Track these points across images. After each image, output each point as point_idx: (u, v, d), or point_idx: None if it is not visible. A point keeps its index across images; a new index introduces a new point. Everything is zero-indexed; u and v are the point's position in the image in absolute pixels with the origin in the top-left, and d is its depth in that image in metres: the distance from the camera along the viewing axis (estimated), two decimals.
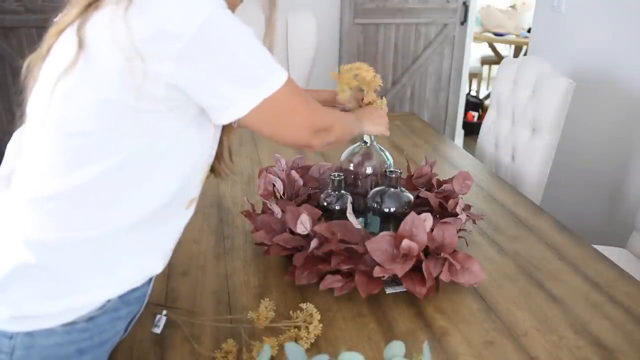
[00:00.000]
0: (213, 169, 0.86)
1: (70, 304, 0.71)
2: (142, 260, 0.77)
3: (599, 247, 1.26)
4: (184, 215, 0.81)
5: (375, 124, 1.15)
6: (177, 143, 0.73)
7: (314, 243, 1.02)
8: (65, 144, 0.68)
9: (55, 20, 0.75)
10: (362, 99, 1.20)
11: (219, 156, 0.84)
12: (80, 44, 0.66)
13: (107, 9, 0.66)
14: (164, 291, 1.03)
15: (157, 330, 0.91)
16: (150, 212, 0.74)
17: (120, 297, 0.76)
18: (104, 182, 0.69)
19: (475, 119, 4.10)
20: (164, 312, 0.94)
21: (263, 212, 1.21)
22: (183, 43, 0.64)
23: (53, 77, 0.68)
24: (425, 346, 0.68)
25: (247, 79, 0.71)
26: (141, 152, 0.70)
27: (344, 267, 1.00)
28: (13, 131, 1.27)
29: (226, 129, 0.83)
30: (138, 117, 0.68)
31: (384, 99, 1.21)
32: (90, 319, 0.73)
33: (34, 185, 0.71)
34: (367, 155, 1.23)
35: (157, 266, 0.79)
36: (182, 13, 0.64)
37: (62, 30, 0.70)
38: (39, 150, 0.71)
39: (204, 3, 0.66)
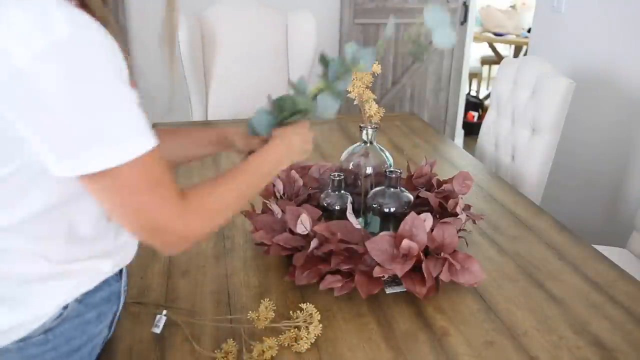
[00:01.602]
0: None
1: (16, 320, 0.67)
2: (82, 265, 0.72)
3: (599, 247, 1.26)
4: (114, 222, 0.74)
5: (302, 152, 0.93)
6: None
7: (314, 243, 1.02)
8: None
9: None
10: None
11: None
12: None
13: None
14: (164, 291, 1.03)
15: (157, 330, 0.91)
16: (68, 229, 0.69)
17: (80, 301, 0.72)
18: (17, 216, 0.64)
19: (475, 119, 4.10)
20: (164, 312, 0.94)
21: (263, 212, 1.21)
22: (13, 71, 0.53)
23: None
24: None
25: (84, 136, 0.57)
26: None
27: (344, 267, 1.00)
28: None
29: None
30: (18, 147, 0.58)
31: (380, 109, 1.18)
32: (47, 330, 0.69)
33: None
34: (367, 155, 1.23)
35: (105, 267, 0.74)
36: (23, 33, 0.53)
37: None
38: None
39: (54, 25, 0.53)
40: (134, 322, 0.94)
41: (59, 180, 0.61)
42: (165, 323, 0.93)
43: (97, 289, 0.75)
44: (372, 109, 1.15)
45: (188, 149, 0.99)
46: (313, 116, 0.91)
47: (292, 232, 1.08)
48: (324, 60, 0.89)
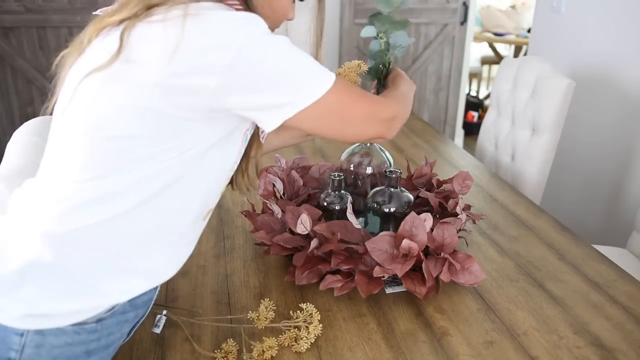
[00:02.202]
0: (234, 182, 0.87)
1: (82, 304, 0.71)
2: (156, 267, 0.77)
3: (599, 247, 1.26)
4: (201, 226, 0.82)
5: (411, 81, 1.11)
6: (207, 153, 0.73)
7: (314, 243, 1.02)
8: (98, 147, 0.68)
9: (97, 14, 0.75)
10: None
11: (243, 170, 0.86)
12: (121, 49, 0.67)
13: (158, 17, 0.67)
14: (164, 291, 1.03)
15: (157, 330, 0.91)
16: (171, 222, 0.75)
17: (129, 300, 0.76)
18: (134, 190, 0.70)
19: (475, 119, 4.10)
20: (164, 312, 0.94)
21: (263, 212, 1.21)
22: (230, 58, 0.66)
23: (89, 76, 0.69)
24: None
25: (292, 85, 0.72)
26: (175, 160, 0.70)
27: (344, 267, 1.00)
28: (13, 131, 1.27)
29: (255, 144, 0.84)
30: (174, 124, 0.69)
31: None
32: (99, 320, 0.73)
33: (61, 184, 0.70)
34: (367, 155, 1.23)
35: (169, 272, 0.79)
36: (229, 29, 0.67)
37: (103, 28, 0.71)
38: (69, 150, 0.70)
39: (252, 23, 0.69)
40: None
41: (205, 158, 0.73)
42: (165, 323, 0.93)
43: (144, 292, 0.77)
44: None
45: (285, 140, 1.15)
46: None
47: (292, 232, 1.08)
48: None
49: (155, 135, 0.68)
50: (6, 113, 2.87)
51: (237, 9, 0.75)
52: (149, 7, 0.68)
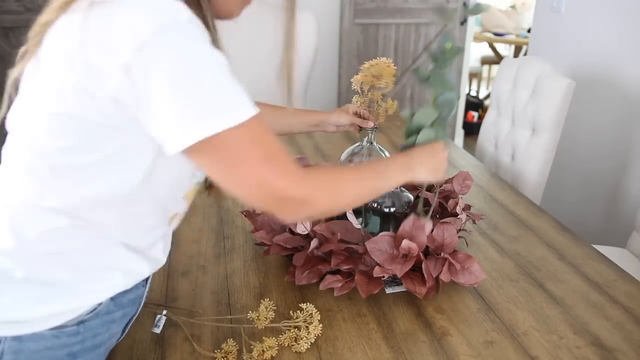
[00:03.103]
0: (210, 188, 0.83)
1: (57, 308, 0.70)
2: (129, 266, 0.75)
3: (599, 247, 1.26)
4: (167, 231, 0.80)
5: (432, 170, 0.91)
6: (156, 161, 0.67)
7: (314, 243, 1.02)
8: (42, 159, 0.65)
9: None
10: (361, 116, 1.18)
11: None
12: (36, 49, 0.63)
13: (69, 15, 0.61)
14: (164, 291, 1.03)
15: (157, 330, 0.91)
16: (127, 230, 0.72)
17: (113, 299, 0.75)
18: (83, 203, 0.67)
19: (475, 119, 4.10)
20: (164, 312, 0.94)
21: (263, 212, 1.21)
22: (127, 56, 0.57)
23: (24, 79, 0.66)
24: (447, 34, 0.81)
25: (198, 106, 0.60)
26: (118, 169, 0.66)
27: (344, 267, 1.00)
28: None
29: None
30: (103, 132, 0.63)
31: (394, 102, 1.18)
32: (80, 322, 0.72)
33: (16, 196, 0.68)
34: (367, 155, 1.23)
35: (144, 272, 0.77)
36: (137, 20, 0.58)
37: (38, 33, 0.65)
38: (15, 161, 0.68)
39: (164, 12, 0.59)
40: (134, 322, 0.94)
41: (148, 162, 0.66)
42: (165, 323, 0.93)
43: (128, 290, 0.77)
44: (388, 105, 1.16)
45: (293, 126, 1.14)
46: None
47: (292, 232, 1.08)
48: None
49: (89, 144, 0.63)
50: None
51: None
52: None
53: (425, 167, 0.89)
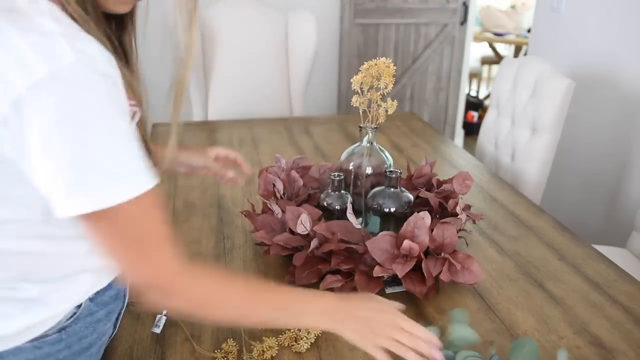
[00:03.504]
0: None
1: (31, 321, 0.67)
2: (96, 264, 0.72)
3: (599, 247, 1.26)
4: None
5: (367, 334, 0.70)
6: None
7: (314, 243, 1.02)
8: None
9: None
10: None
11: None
12: None
13: None
14: None
15: (157, 330, 0.91)
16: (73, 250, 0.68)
17: (92, 300, 0.73)
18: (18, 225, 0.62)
19: (475, 119, 4.10)
20: (164, 312, 0.94)
21: (263, 212, 1.21)
22: (7, 106, 0.51)
23: None
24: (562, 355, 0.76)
25: (82, 173, 0.54)
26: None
27: (344, 267, 1.00)
28: None
29: (139, 127, 0.70)
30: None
31: (394, 101, 1.14)
32: (62, 329, 0.70)
33: None
34: (367, 155, 1.23)
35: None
36: (10, 69, 0.51)
37: None
38: None
39: (43, 60, 0.51)
40: (134, 322, 0.94)
41: None
42: (165, 323, 0.93)
43: (107, 287, 0.76)
44: (388, 104, 1.14)
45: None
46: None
47: (292, 232, 1.08)
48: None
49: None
50: None
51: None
52: None
53: (359, 328, 0.70)
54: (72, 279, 0.70)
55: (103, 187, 0.55)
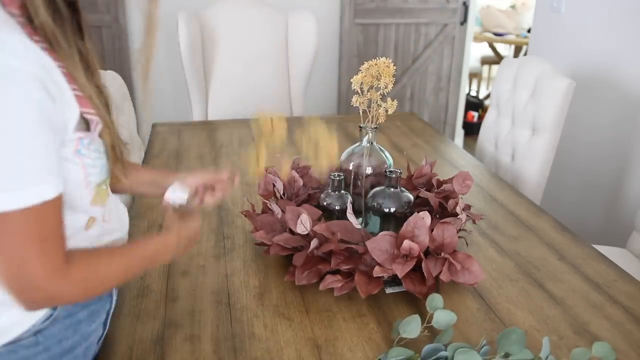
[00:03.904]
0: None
1: (4, 323, 0.66)
2: None
3: (599, 247, 1.26)
4: (88, 233, 0.75)
5: (188, 247, 0.87)
6: None
7: (314, 243, 1.02)
8: None
9: None
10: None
11: (113, 161, 0.74)
12: None
13: None
14: (164, 291, 1.03)
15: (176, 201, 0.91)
16: None
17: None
18: None
19: (475, 119, 4.10)
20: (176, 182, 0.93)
21: (263, 212, 1.21)
22: None
23: None
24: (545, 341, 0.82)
25: None
26: None
27: (344, 267, 1.00)
28: None
29: (104, 134, 0.71)
30: None
31: (394, 101, 1.14)
32: (37, 332, 0.69)
33: None
34: (367, 156, 1.23)
35: None
36: None
37: None
38: None
39: None
40: (134, 322, 0.94)
41: None
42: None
43: None
44: (388, 104, 1.13)
45: (132, 186, 0.96)
46: None
47: (292, 232, 1.08)
48: None
49: None
50: None
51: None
52: None
53: (186, 246, 0.86)
54: None
55: (2, 191, 0.55)
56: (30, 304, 0.64)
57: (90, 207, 0.73)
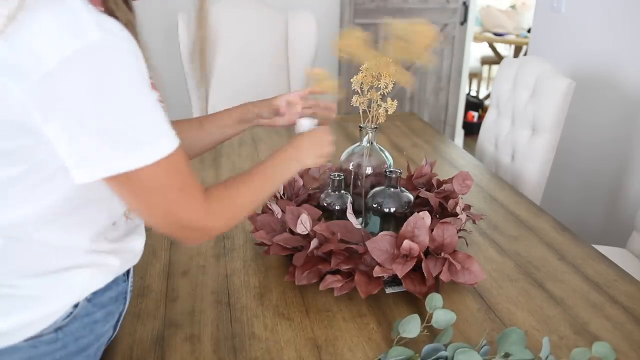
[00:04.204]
0: None
1: (27, 318, 0.67)
2: (96, 263, 0.72)
3: (599, 247, 1.26)
4: (127, 221, 0.77)
5: (318, 156, 0.95)
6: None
7: (314, 243, 1.02)
8: None
9: None
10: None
11: None
12: None
13: None
14: (164, 291, 1.03)
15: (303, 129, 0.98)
16: (77, 237, 0.70)
17: (90, 300, 0.73)
18: (22, 219, 0.64)
19: (475, 119, 4.10)
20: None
21: (263, 212, 1.21)
22: (37, 79, 0.54)
23: None
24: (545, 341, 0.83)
25: (112, 139, 0.58)
26: (38, 181, 0.63)
27: (344, 267, 1.00)
28: None
29: None
30: (30, 145, 0.59)
31: (394, 101, 1.14)
32: (58, 328, 0.70)
33: None
34: (367, 155, 1.23)
35: (115, 266, 0.75)
36: (43, 44, 0.54)
37: None
38: None
39: (73, 35, 0.55)
40: (134, 322, 0.94)
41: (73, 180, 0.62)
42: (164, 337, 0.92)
43: (106, 288, 0.75)
44: (388, 104, 1.14)
45: (213, 135, 1.06)
46: None
47: (292, 232, 1.08)
48: None
49: (18, 155, 0.60)
50: None
51: None
52: None
53: (312, 154, 0.93)
54: (69, 275, 0.70)
55: (129, 151, 0.59)
56: (187, 241, 0.73)
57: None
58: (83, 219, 0.70)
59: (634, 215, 1.68)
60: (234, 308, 0.98)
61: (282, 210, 1.14)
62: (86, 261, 0.71)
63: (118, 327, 0.83)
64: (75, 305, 0.72)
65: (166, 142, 0.63)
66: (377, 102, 1.13)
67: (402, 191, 1.15)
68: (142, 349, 0.88)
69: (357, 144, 1.24)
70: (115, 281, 0.77)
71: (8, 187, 0.62)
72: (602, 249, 1.34)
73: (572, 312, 0.99)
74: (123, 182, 0.62)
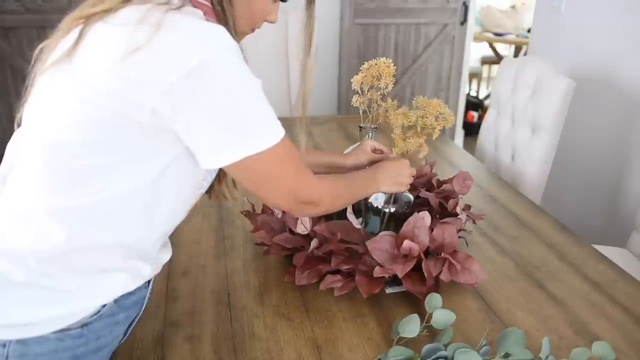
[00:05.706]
0: (211, 192, 0.84)
1: (61, 311, 0.70)
2: (133, 268, 0.75)
3: (599, 247, 1.26)
4: (169, 231, 0.81)
5: (395, 183, 1.03)
6: (168, 170, 0.70)
7: (314, 243, 1.02)
8: (52, 159, 0.66)
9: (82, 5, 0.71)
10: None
11: (220, 178, 0.82)
12: (76, 46, 0.65)
13: (121, 20, 0.64)
14: (164, 291, 1.03)
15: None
16: (136, 240, 0.73)
17: (116, 302, 0.75)
18: (95, 208, 0.68)
19: (475, 119, 4.10)
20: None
21: (263, 212, 1.21)
22: (177, 76, 0.61)
23: (46, 73, 0.67)
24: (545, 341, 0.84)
25: (238, 129, 0.67)
26: (131, 176, 0.68)
27: (344, 267, 1.00)
28: (13, 131, 1.27)
29: None
30: (124, 134, 0.65)
31: (394, 101, 1.16)
32: (84, 325, 0.72)
33: (26, 199, 0.68)
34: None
35: (147, 272, 0.77)
36: (186, 45, 0.63)
37: (80, 19, 0.67)
38: (30, 162, 0.68)
39: (213, 41, 0.64)
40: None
41: (146, 175, 0.68)
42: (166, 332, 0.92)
43: (132, 292, 0.77)
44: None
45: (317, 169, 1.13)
46: None
47: (292, 232, 1.08)
48: None
49: (106, 145, 0.65)
50: (6, 113, 2.87)
51: (204, 10, 0.71)
52: (127, 1, 0.66)
53: (390, 181, 1.02)
54: (108, 276, 0.73)
55: (254, 137, 0.68)
56: (303, 214, 0.92)
57: (186, 211, 0.80)
58: (150, 226, 0.74)
59: (634, 215, 1.68)
60: (234, 308, 0.98)
61: (282, 210, 1.14)
62: (127, 266, 0.74)
63: (129, 333, 0.83)
64: (104, 305, 0.73)
65: (279, 128, 0.71)
66: (377, 102, 1.13)
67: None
68: (142, 348, 0.88)
69: (357, 143, 1.24)
70: (139, 286, 0.78)
71: (103, 169, 0.66)
72: (602, 249, 1.34)
73: (572, 312, 0.99)
74: (246, 167, 0.70)
